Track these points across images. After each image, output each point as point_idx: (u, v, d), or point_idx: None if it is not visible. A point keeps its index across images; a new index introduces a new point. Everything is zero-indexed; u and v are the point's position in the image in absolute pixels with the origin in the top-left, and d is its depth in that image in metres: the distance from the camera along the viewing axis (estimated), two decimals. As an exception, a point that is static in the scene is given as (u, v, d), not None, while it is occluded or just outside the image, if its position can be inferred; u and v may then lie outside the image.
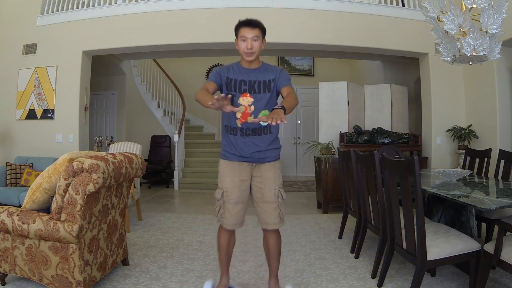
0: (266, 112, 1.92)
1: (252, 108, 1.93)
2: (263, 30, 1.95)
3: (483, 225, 2.84)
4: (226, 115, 1.96)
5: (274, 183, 1.98)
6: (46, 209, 2.19)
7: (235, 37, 1.96)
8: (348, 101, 5.02)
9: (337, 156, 4.21)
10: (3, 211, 2.08)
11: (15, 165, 4.22)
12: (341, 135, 4.84)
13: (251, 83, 1.94)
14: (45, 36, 4.94)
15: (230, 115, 1.92)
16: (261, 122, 1.77)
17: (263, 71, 1.99)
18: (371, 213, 2.65)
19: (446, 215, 2.52)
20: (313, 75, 8.61)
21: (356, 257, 2.77)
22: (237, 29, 1.94)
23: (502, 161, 3.12)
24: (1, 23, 5.14)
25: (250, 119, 1.91)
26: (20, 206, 2.91)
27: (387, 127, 5.03)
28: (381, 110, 5.18)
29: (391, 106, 5.14)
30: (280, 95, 1.98)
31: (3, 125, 4.98)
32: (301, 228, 3.68)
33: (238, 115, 1.93)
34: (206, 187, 6.26)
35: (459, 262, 2.23)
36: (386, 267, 2.23)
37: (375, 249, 2.86)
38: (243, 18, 1.96)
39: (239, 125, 1.94)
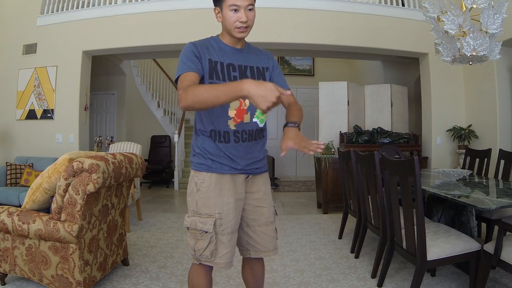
0: None
1: (247, 102, 1.41)
2: None
3: (483, 225, 2.84)
4: (208, 115, 1.41)
5: (271, 199, 1.59)
6: (46, 209, 2.19)
7: (215, 6, 1.42)
8: (348, 101, 5.02)
9: (337, 156, 4.21)
10: (3, 211, 2.08)
11: (15, 165, 4.22)
12: (341, 135, 4.84)
13: (242, 69, 1.44)
14: (45, 36, 4.94)
15: (217, 114, 1.40)
16: (258, 121, 1.45)
17: (253, 53, 1.51)
18: (371, 213, 2.65)
19: (446, 215, 2.52)
20: (313, 75, 8.61)
21: (356, 257, 2.77)
22: None
23: (502, 161, 3.12)
24: (1, 23, 5.14)
25: (247, 117, 1.43)
26: (20, 206, 2.92)
27: (387, 127, 5.03)
28: (381, 110, 5.18)
29: (391, 106, 5.14)
30: None
31: (3, 125, 4.98)
32: (301, 228, 3.68)
33: (232, 113, 1.40)
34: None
35: (459, 262, 2.23)
36: (386, 267, 2.23)
37: (375, 249, 2.86)
38: None
39: (233, 128, 1.41)
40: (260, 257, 1.56)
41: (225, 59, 1.42)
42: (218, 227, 1.40)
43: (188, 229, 1.45)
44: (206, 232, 1.39)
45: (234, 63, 1.43)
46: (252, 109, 1.44)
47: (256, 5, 1.46)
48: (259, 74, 1.48)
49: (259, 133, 1.50)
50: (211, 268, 1.48)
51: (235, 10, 1.35)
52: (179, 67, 1.35)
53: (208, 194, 1.42)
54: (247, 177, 1.50)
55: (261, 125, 1.48)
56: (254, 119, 1.45)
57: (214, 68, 1.39)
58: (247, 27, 1.39)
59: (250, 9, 1.38)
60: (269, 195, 1.58)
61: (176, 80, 1.34)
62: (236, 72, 1.42)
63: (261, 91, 1.07)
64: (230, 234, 1.43)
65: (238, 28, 1.37)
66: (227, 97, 1.14)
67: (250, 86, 1.09)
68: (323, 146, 1.20)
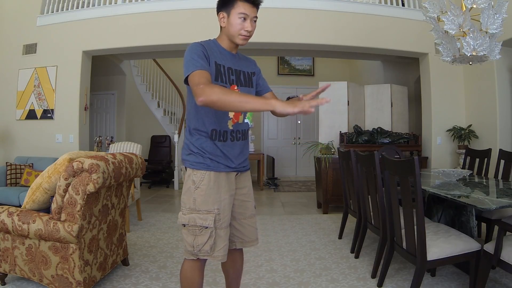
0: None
1: None
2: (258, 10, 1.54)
3: (483, 225, 2.84)
4: (212, 115, 1.50)
5: (253, 194, 1.72)
6: (46, 209, 2.19)
7: (220, 10, 1.50)
8: (348, 101, 5.02)
9: (337, 156, 4.21)
10: (3, 211, 2.08)
11: (15, 165, 4.22)
12: (341, 135, 4.84)
13: (237, 73, 1.56)
14: (45, 36, 4.94)
15: (220, 115, 1.51)
16: (249, 122, 1.61)
17: (243, 59, 1.64)
18: (371, 213, 2.65)
19: (446, 215, 2.52)
20: (313, 75, 8.61)
21: (356, 257, 2.77)
22: (231, 0, 1.47)
23: (502, 161, 3.12)
24: (1, 23, 5.14)
25: (241, 118, 1.58)
26: (20, 206, 2.91)
27: (387, 127, 5.03)
28: (381, 110, 5.18)
29: (391, 106, 5.14)
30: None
31: (3, 125, 4.98)
32: (301, 228, 3.68)
33: (231, 114, 1.53)
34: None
35: (459, 262, 2.23)
36: (386, 267, 2.23)
37: (375, 249, 2.86)
38: None
39: (230, 128, 1.54)
40: (245, 247, 1.68)
41: (225, 63, 1.51)
42: (217, 222, 1.49)
43: (184, 226, 1.51)
44: (207, 227, 1.47)
45: (232, 67, 1.54)
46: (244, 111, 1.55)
47: (259, 6, 1.51)
48: (249, 79, 1.62)
49: (248, 133, 1.66)
50: (204, 263, 1.57)
51: (244, 19, 1.46)
52: (191, 63, 1.38)
53: (208, 192, 1.49)
54: (237, 175, 1.61)
55: (251, 124, 1.60)
56: (246, 120, 1.61)
57: (219, 70, 1.48)
58: (249, 37, 1.50)
59: (254, 21, 1.50)
60: (252, 190, 1.71)
61: (187, 76, 1.37)
62: (233, 76, 1.54)
63: (288, 104, 1.22)
64: (226, 228, 1.53)
65: (243, 35, 1.48)
66: (253, 106, 1.27)
67: (278, 103, 1.24)
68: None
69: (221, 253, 1.50)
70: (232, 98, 1.26)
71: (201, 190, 1.49)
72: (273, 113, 1.66)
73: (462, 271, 2.39)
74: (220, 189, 1.51)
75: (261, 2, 1.51)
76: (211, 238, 1.46)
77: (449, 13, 2.66)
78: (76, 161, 1.96)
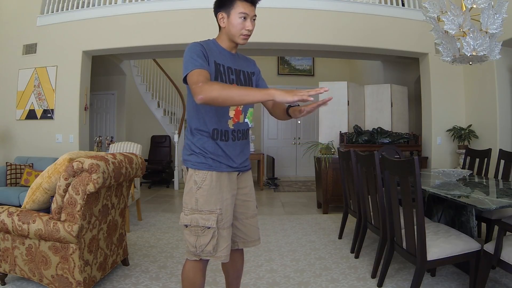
0: (252, 110, 1.63)
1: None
2: None
3: (483, 225, 2.84)
4: (213, 114, 1.50)
5: (254, 193, 1.72)
6: (46, 209, 2.19)
7: (219, 11, 1.51)
8: (348, 101, 5.02)
9: (337, 156, 4.21)
10: (3, 211, 2.08)
11: (15, 165, 4.22)
12: (341, 135, 4.84)
13: (237, 72, 1.55)
14: (45, 36, 4.94)
15: (221, 114, 1.50)
16: (248, 122, 1.60)
17: (242, 59, 1.64)
18: (371, 213, 2.65)
19: (446, 215, 2.52)
20: (313, 75, 8.61)
21: (356, 257, 2.77)
22: (230, 0, 1.47)
23: (502, 161, 3.12)
24: (1, 23, 5.14)
25: (242, 118, 1.57)
26: (20, 206, 2.92)
27: (387, 127, 5.03)
28: (381, 110, 5.18)
29: (391, 106, 5.14)
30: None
31: (3, 125, 4.98)
32: (301, 228, 3.68)
33: (232, 113, 1.52)
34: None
35: (459, 262, 2.23)
36: (386, 267, 2.23)
37: (375, 249, 2.86)
38: None
39: (231, 127, 1.53)
40: (248, 247, 1.67)
41: (225, 62, 1.51)
42: (219, 222, 1.48)
43: (186, 226, 1.50)
44: (209, 227, 1.46)
45: (231, 66, 1.53)
46: (245, 110, 1.57)
47: (256, 5, 1.51)
48: (249, 78, 1.61)
49: (248, 133, 1.65)
50: (206, 264, 1.56)
51: (244, 18, 1.46)
52: (190, 62, 1.38)
53: (210, 192, 1.48)
54: (238, 174, 1.61)
55: (251, 124, 1.63)
56: (246, 120, 1.59)
57: (219, 70, 1.48)
58: (249, 36, 1.51)
59: (254, 19, 1.50)
60: (253, 190, 1.71)
61: (185, 75, 1.38)
62: (233, 75, 1.53)
63: (287, 93, 1.23)
64: (228, 228, 1.52)
65: (244, 35, 1.49)
66: (253, 98, 1.27)
67: (277, 92, 1.24)
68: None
69: (224, 253, 1.49)
70: (232, 93, 1.27)
71: (203, 190, 1.48)
72: (271, 113, 1.68)
73: (462, 271, 2.39)
74: (222, 189, 1.50)
75: (257, 1, 1.51)
76: (213, 239, 1.46)
77: (449, 13, 2.66)
78: (76, 161, 1.95)
